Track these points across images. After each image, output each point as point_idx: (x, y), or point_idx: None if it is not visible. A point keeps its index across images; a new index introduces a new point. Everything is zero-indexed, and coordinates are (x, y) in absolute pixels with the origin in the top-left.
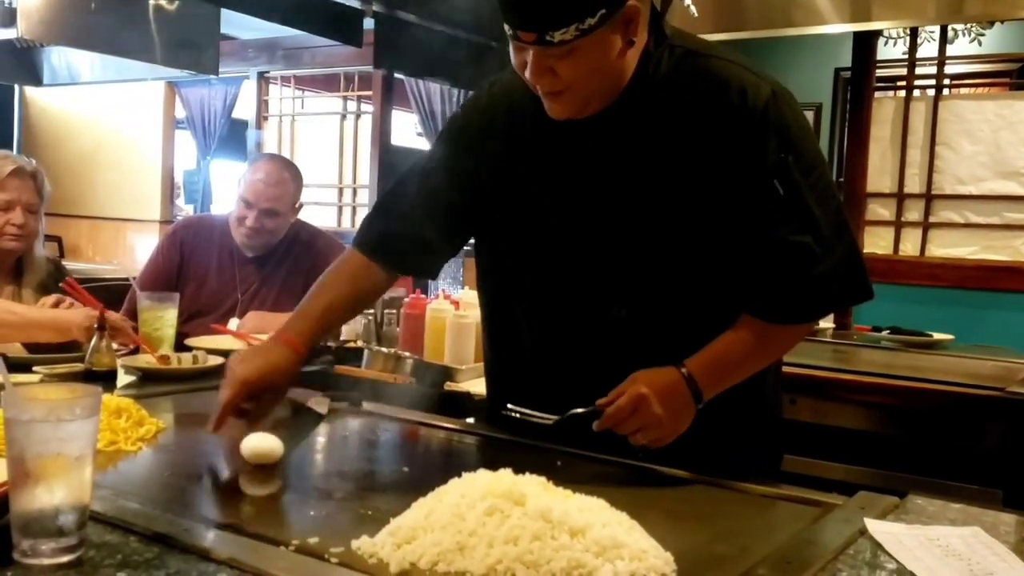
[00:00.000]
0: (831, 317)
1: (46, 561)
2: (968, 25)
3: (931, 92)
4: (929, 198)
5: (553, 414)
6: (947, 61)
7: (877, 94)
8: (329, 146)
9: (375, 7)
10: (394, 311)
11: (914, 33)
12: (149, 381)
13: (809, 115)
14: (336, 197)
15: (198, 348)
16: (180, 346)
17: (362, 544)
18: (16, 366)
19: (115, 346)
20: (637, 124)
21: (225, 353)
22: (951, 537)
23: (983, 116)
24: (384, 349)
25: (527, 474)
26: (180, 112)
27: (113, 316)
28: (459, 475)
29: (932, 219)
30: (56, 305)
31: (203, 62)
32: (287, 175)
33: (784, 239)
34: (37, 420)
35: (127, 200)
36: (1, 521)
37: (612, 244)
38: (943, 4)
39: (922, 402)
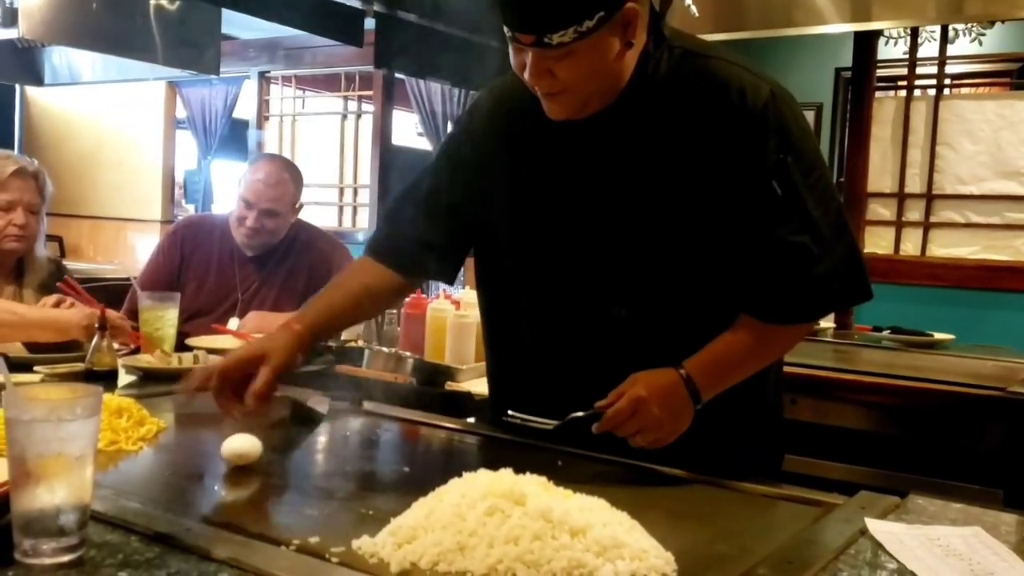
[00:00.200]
0: (832, 317)
1: (47, 561)
2: (969, 25)
3: (932, 92)
4: (930, 198)
5: (553, 415)
6: (948, 61)
7: (878, 94)
8: (330, 146)
9: (376, 7)
10: (395, 311)
11: (915, 33)
12: (150, 381)
13: (809, 115)
14: (337, 197)
15: (199, 348)
16: (181, 346)
17: (363, 544)
18: (17, 366)
19: (116, 346)
20: (637, 125)
21: (226, 353)
22: (952, 537)
23: (984, 116)
24: (385, 349)
25: (528, 474)
26: (181, 112)
27: (112, 315)
28: (460, 475)
29: (933, 219)
30: (57, 305)
31: (204, 62)
32: (287, 175)
33: (783, 239)
34: (38, 420)
35: (128, 200)
36: (2, 521)
37: (612, 244)
38: (943, 4)
39: (923, 402)
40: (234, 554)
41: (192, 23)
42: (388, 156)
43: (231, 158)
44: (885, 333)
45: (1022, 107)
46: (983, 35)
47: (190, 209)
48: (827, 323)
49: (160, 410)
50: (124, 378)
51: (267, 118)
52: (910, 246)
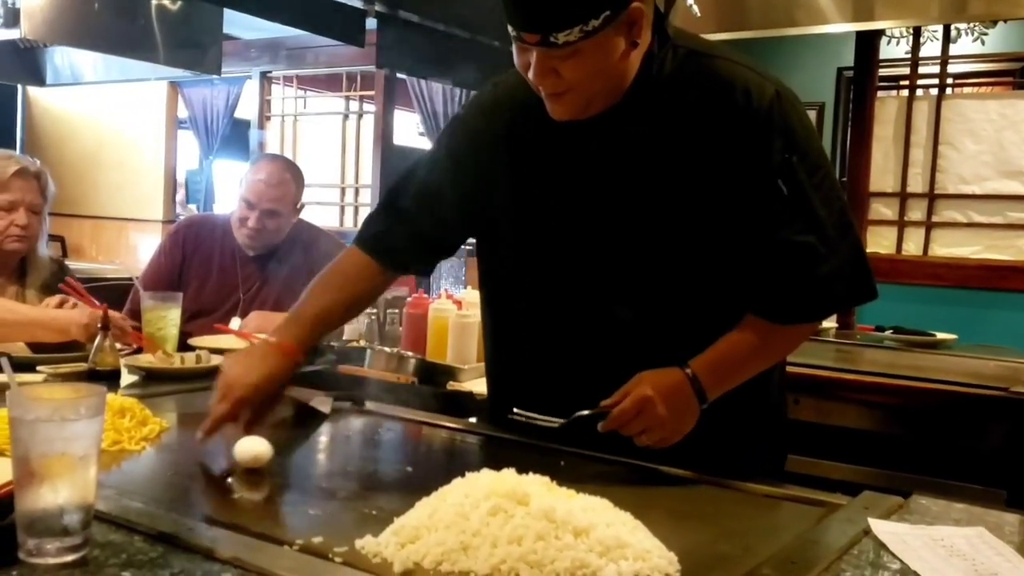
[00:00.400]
0: (834, 317)
1: (51, 560)
2: (971, 24)
3: (934, 91)
4: (932, 197)
5: (556, 415)
6: (950, 60)
7: (880, 93)
8: (331, 146)
9: (377, 7)
10: (396, 311)
11: (917, 32)
12: (153, 381)
13: (812, 115)
14: (338, 197)
15: (201, 348)
16: (183, 345)
17: (366, 544)
18: (20, 366)
19: (118, 346)
20: (641, 125)
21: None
22: (955, 537)
23: (986, 115)
24: (387, 349)
25: (531, 474)
26: (183, 112)
27: (112, 315)
28: (462, 475)
29: (935, 218)
30: (60, 305)
31: (206, 62)
32: (288, 176)
33: (788, 239)
34: (42, 420)
35: (129, 200)
36: (6, 520)
37: (616, 245)
38: (946, 3)
39: (925, 402)
40: (237, 554)
41: (194, 23)
42: (389, 156)
43: (233, 158)
44: (887, 333)
45: None
46: (985, 34)
47: (192, 209)
48: (829, 323)
49: (163, 410)
50: (127, 378)
51: (269, 118)
52: (912, 246)
